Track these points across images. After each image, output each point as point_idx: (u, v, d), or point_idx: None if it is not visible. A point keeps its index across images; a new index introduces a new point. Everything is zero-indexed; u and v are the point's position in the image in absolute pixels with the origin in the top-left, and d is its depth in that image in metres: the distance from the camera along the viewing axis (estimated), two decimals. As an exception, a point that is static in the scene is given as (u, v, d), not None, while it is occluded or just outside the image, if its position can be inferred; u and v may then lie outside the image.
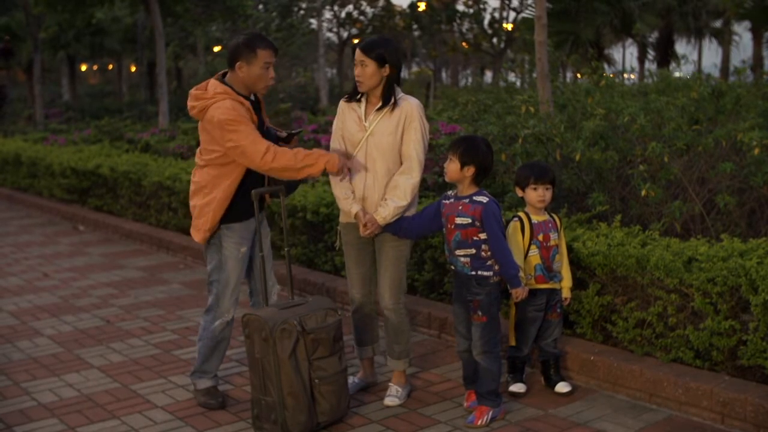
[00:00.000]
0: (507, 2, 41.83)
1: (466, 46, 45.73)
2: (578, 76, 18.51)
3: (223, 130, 4.88)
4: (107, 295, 8.01)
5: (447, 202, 5.00)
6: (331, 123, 12.93)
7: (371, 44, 5.03)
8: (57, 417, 5.13)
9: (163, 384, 5.66)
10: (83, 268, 9.24)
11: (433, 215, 5.06)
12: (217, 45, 40.76)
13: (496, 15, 43.84)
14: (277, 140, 5.21)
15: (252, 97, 5.17)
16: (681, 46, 36.34)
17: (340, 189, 5.12)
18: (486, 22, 43.87)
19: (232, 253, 5.22)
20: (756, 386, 4.76)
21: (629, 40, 34.78)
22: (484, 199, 4.85)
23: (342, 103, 5.21)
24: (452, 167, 4.88)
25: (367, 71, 4.98)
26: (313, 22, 44.66)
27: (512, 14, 42.77)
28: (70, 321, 7.17)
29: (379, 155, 5.04)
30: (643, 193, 6.22)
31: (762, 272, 4.70)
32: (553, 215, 5.40)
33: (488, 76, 49.53)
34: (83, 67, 60.67)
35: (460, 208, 4.89)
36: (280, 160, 4.88)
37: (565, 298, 5.39)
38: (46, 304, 7.72)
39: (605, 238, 5.63)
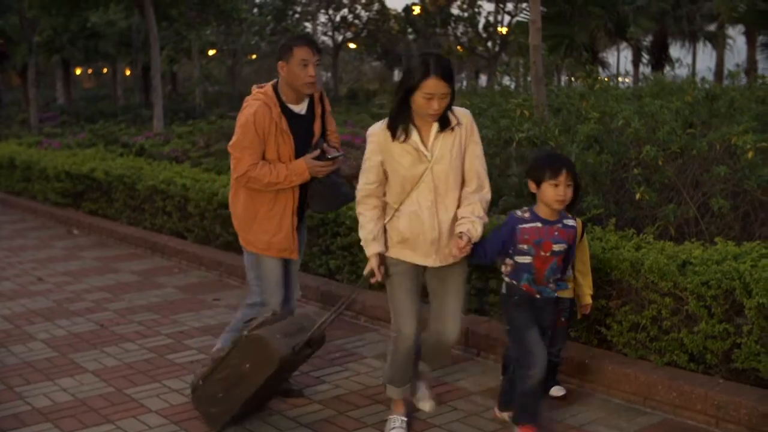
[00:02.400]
0: (501, 6, 41.87)
1: (461, 50, 45.74)
2: (572, 79, 18.53)
3: (235, 131, 5.06)
4: (101, 299, 8.00)
5: (528, 226, 4.50)
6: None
7: (450, 69, 4.34)
8: (51, 421, 5.12)
9: (158, 388, 5.64)
10: (77, 272, 9.22)
11: (507, 238, 4.54)
12: (211, 49, 40.74)
13: (491, 19, 43.85)
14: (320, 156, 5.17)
15: (301, 110, 5.15)
16: (675, 50, 36.39)
17: (368, 230, 4.55)
18: (481, 25, 43.88)
19: (268, 259, 5.28)
20: (750, 389, 4.77)
21: (624, 44, 34.81)
22: (574, 222, 4.64)
23: (380, 141, 4.46)
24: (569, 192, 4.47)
25: (447, 101, 4.34)
26: (308, 25, 44.73)
27: (507, 18, 42.74)
28: (65, 325, 7.15)
29: (445, 183, 4.46)
30: (638, 196, 6.23)
31: (756, 275, 4.70)
32: (576, 220, 4.82)
33: (483, 79, 49.57)
34: (78, 71, 60.66)
35: (556, 233, 4.50)
36: (255, 184, 5.03)
37: (584, 305, 5.14)
38: (41, 308, 7.70)
39: (600, 241, 5.64)
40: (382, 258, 4.57)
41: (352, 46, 52.71)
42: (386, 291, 4.71)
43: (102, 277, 8.90)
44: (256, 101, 5.03)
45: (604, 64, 30.52)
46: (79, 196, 12.32)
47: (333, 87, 46.81)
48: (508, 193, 7.01)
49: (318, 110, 5.27)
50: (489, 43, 43.43)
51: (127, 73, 55.73)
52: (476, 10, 43.94)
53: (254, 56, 43.02)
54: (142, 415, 5.20)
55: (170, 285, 8.51)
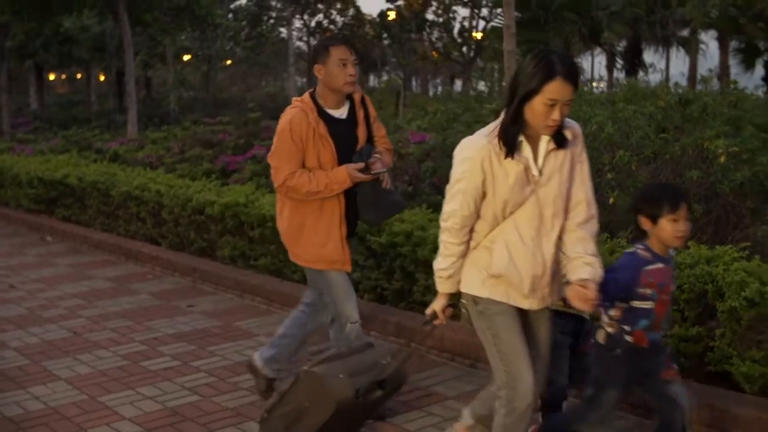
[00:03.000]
0: (476, 11, 42.00)
1: (436, 55, 45.86)
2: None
3: (273, 141, 4.92)
4: (75, 306, 7.94)
5: (653, 268, 3.92)
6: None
7: (577, 68, 3.66)
8: (23, 430, 5.07)
9: (131, 395, 5.61)
10: (51, 278, 9.15)
11: (631, 283, 3.92)
12: (186, 54, 40.63)
13: (466, 24, 44.00)
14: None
15: (342, 114, 4.95)
16: (649, 55, 36.65)
17: (449, 263, 3.85)
18: (455, 31, 44.02)
19: (331, 273, 5.05)
20: (723, 392, 4.80)
21: (598, 49, 35.03)
22: (674, 250, 4.14)
23: (482, 158, 3.64)
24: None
25: (568, 109, 3.62)
26: (283, 31, 44.69)
27: (482, 23, 42.91)
28: (37, 332, 7.09)
29: (552, 209, 3.74)
30: (611, 200, 6.25)
31: (728, 279, 4.74)
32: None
33: (458, 84, 49.71)
34: (51, 76, 60.21)
35: (673, 272, 4.08)
36: (295, 193, 4.85)
37: None
38: (13, 316, 7.63)
39: (573, 246, 5.64)
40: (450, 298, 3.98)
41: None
42: (483, 341, 3.92)
43: (75, 284, 8.84)
44: (293, 109, 4.87)
45: (579, 70, 30.66)
46: (53, 203, 12.24)
47: (308, 92, 46.81)
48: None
49: (360, 114, 5.03)
50: (464, 49, 43.54)
51: (101, 78, 55.45)
52: (451, 15, 44.06)
53: (229, 61, 42.91)
54: (116, 422, 5.17)
55: (144, 291, 8.46)
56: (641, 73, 28.04)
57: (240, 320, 7.28)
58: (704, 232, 6.33)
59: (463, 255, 3.83)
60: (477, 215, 3.75)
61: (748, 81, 30.01)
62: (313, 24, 48.91)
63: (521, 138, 3.64)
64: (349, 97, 5.01)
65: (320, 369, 4.43)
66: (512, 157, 3.62)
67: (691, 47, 32.07)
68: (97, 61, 40.93)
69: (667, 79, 27.52)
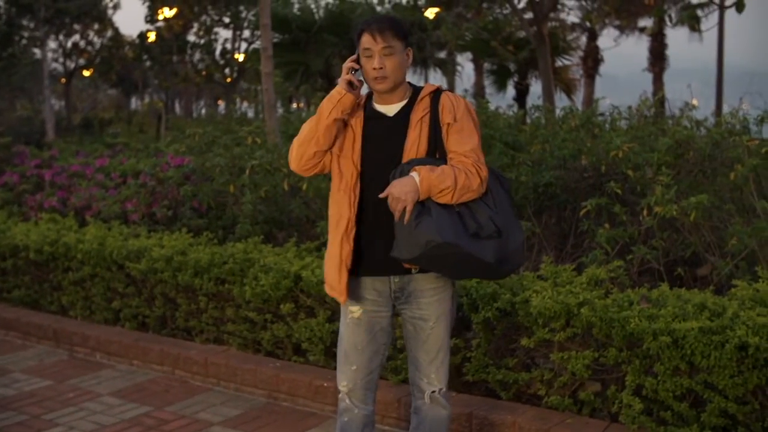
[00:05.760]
0: (238, 33, 41.99)
1: (198, 77, 45.45)
2: (299, 106, 18.84)
3: None
4: None
5: None
6: (55, 157, 12.40)
7: None
8: None
9: None
10: None
11: None
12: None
13: (228, 46, 43.88)
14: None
15: (388, 111, 3.75)
16: (409, 76, 37.73)
17: None
18: (218, 52, 43.83)
19: (342, 311, 3.93)
20: (481, 400, 4.99)
21: (359, 70, 35.73)
22: None
23: None
24: None
25: None
26: (37, 51, 42.96)
27: (244, 45, 42.92)
28: None
29: None
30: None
31: (481, 291, 4.93)
32: None
33: (222, 106, 49.45)
34: None
35: None
36: (294, 154, 3.81)
37: None
38: None
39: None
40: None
41: (86, 73, 51.10)
42: None
43: None
44: None
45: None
46: None
47: (66, 116, 45.24)
48: (242, 220, 7.01)
49: (416, 113, 3.70)
50: (226, 70, 43.41)
51: None
52: (213, 37, 43.83)
53: (-23, 85, 40.87)
54: None
55: None
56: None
57: (-7, 357, 6.92)
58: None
59: None
60: None
61: (501, 100, 31.52)
62: (69, 45, 47.22)
63: None
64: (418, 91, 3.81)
65: None
66: None
67: (448, 68, 33.32)
68: None
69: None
